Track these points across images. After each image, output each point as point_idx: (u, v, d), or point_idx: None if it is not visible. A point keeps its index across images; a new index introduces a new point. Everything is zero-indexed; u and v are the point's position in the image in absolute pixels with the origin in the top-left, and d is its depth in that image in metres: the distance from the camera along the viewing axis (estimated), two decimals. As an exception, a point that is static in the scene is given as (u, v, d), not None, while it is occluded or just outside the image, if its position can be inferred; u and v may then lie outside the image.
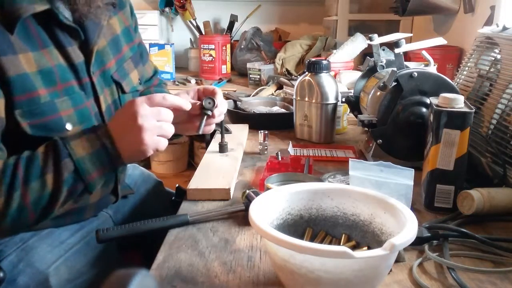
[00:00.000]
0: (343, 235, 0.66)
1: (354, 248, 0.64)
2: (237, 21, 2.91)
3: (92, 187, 0.75)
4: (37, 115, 0.74)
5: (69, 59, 0.80)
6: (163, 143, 0.76)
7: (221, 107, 0.88)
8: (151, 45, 2.57)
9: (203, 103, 0.84)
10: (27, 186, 0.69)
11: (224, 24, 3.00)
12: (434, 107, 0.81)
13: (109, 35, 0.92)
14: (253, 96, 1.83)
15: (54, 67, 0.77)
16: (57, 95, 0.77)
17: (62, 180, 0.71)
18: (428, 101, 0.96)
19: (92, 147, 0.73)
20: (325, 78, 1.22)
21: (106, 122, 0.77)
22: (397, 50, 1.06)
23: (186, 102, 0.80)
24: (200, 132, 0.84)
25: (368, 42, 1.31)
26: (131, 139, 0.73)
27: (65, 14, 0.80)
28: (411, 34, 1.42)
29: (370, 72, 1.22)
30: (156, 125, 0.74)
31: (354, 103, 1.24)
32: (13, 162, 0.70)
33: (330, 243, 0.65)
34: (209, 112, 0.84)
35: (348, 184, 0.75)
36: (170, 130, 0.76)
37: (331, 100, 1.22)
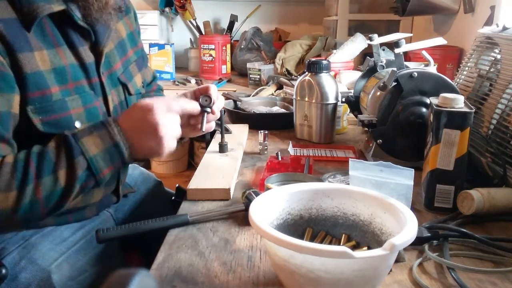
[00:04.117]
0: (343, 235, 0.66)
1: (354, 248, 0.64)
2: (237, 21, 2.91)
3: (102, 182, 0.76)
4: (48, 112, 0.75)
5: (80, 59, 0.82)
6: (175, 145, 0.79)
7: (218, 103, 0.89)
8: (151, 45, 2.56)
9: (200, 101, 0.85)
10: (39, 181, 0.69)
11: (224, 24, 3.00)
12: (434, 107, 0.81)
13: (116, 38, 0.94)
14: (253, 96, 1.83)
15: (67, 66, 0.79)
16: (68, 93, 0.78)
17: (75, 177, 0.71)
18: (428, 101, 0.96)
19: (105, 145, 0.73)
20: (325, 78, 1.22)
21: (112, 117, 0.77)
22: (397, 50, 1.06)
23: (195, 104, 0.83)
24: (204, 130, 0.85)
25: (368, 42, 1.31)
26: (151, 146, 0.75)
27: (78, 15, 0.81)
28: (411, 34, 1.41)
29: (370, 72, 1.22)
30: (173, 132, 0.77)
31: (354, 103, 1.24)
32: (24, 156, 0.70)
33: (330, 243, 0.65)
34: (208, 109, 0.85)
35: (348, 184, 0.75)
36: (179, 132, 0.79)
37: (331, 100, 1.22)
